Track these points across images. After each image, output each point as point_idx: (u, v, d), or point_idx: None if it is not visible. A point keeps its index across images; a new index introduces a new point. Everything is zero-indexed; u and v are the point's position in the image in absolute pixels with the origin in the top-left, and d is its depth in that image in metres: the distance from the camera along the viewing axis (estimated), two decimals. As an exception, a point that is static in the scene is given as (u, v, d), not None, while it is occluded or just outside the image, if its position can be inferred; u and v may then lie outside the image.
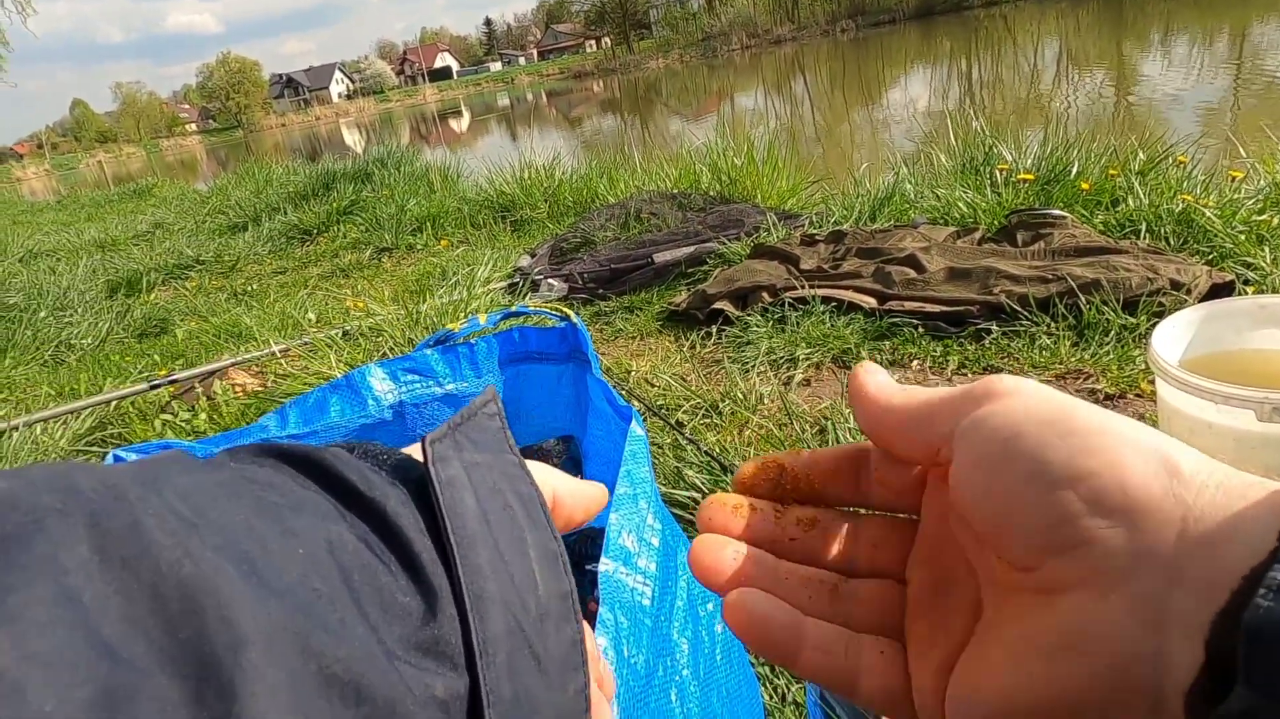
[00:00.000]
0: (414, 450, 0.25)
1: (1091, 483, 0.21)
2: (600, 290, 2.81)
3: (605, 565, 0.55)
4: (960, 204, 2.60)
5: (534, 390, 1.07)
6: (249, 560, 0.19)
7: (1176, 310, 1.63)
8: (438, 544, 0.23)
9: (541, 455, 1.10)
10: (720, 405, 1.65)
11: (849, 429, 1.44)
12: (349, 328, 2.26)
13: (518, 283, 2.89)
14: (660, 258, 2.85)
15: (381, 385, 0.97)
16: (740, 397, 1.66)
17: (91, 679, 0.15)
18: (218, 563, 0.18)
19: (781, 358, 1.85)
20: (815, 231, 2.65)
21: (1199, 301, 1.69)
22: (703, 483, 1.34)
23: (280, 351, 2.18)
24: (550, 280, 2.89)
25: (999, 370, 1.65)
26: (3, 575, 0.16)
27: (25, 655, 0.15)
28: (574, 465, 1.10)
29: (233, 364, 2.10)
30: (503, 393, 1.06)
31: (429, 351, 1.00)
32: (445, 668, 0.21)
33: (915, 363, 1.76)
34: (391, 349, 2.10)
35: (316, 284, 3.69)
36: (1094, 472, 0.21)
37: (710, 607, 0.70)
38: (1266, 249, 1.86)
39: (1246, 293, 1.69)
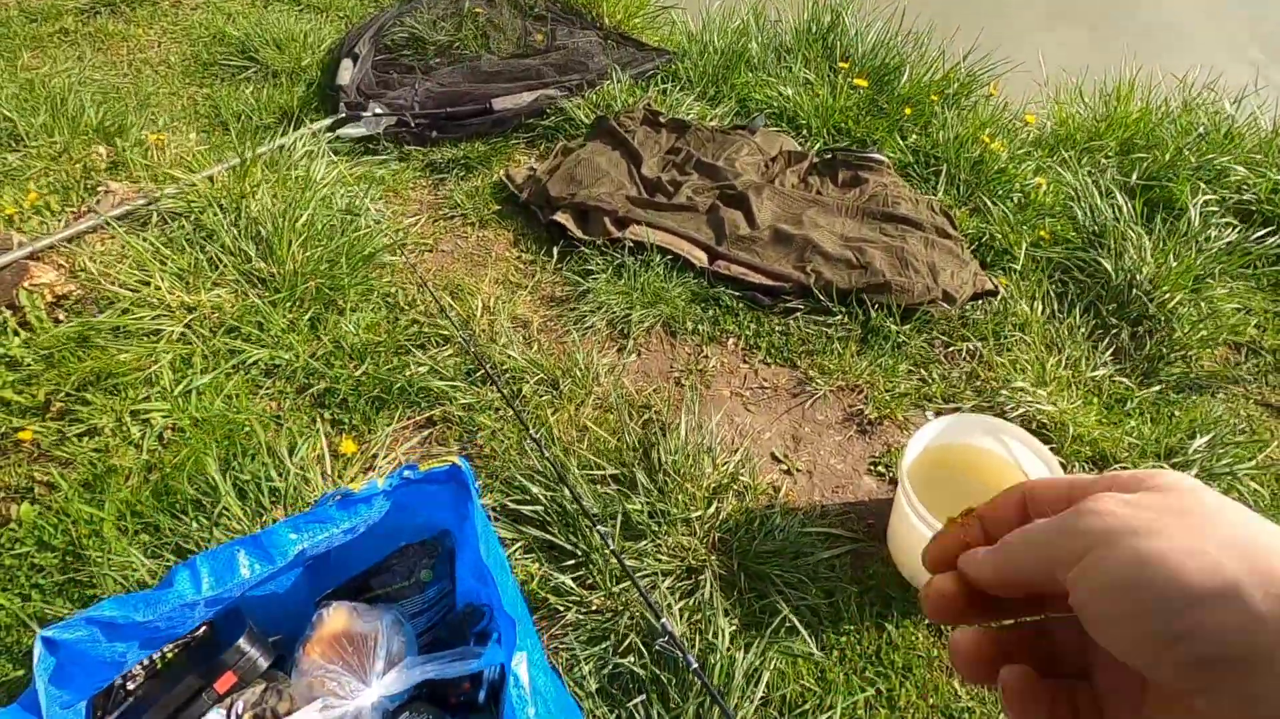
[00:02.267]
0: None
1: (1206, 646, 0.24)
2: (432, 134, 2.68)
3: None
4: (800, 107, 2.69)
5: (419, 496, 1.24)
6: None
7: (943, 319, 1.98)
8: None
9: (424, 550, 1.30)
10: (560, 382, 1.85)
11: (675, 429, 1.72)
12: (158, 199, 2.09)
13: (341, 113, 2.67)
14: (499, 104, 2.74)
15: (289, 538, 1.10)
16: (579, 374, 1.86)
17: None
18: None
19: (619, 317, 2.03)
20: (660, 112, 2.66)
21: (961, 309, 2.06)
22: (541, 494, 1.60)
23: (80, 231, 2.00)
24: (376, 110, 2.69)
25: (796, 366, 1.96)
26: None
27: None
28: (449, 555, 1.32)
29: (28, 254, 1.91)
30: (391, 502, 1.21)
31: (330, 506, 1.13)
32: None
33: (731, 340, 2.02)
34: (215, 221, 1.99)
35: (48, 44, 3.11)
36: (1207, 634, 0.24)
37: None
38: (1024, 243, 2.22)
39: (1000, 288, 2.08)
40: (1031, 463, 1.52)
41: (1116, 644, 0.26)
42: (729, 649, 1.41)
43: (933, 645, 1.48)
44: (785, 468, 1.76)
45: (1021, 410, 1.82)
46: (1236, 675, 0.23)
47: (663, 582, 1.51)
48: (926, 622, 1.50)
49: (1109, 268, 2.10)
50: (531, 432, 1.60)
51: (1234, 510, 0.27)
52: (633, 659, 1.39)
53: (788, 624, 1.46)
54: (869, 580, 1.56)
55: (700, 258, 2.16)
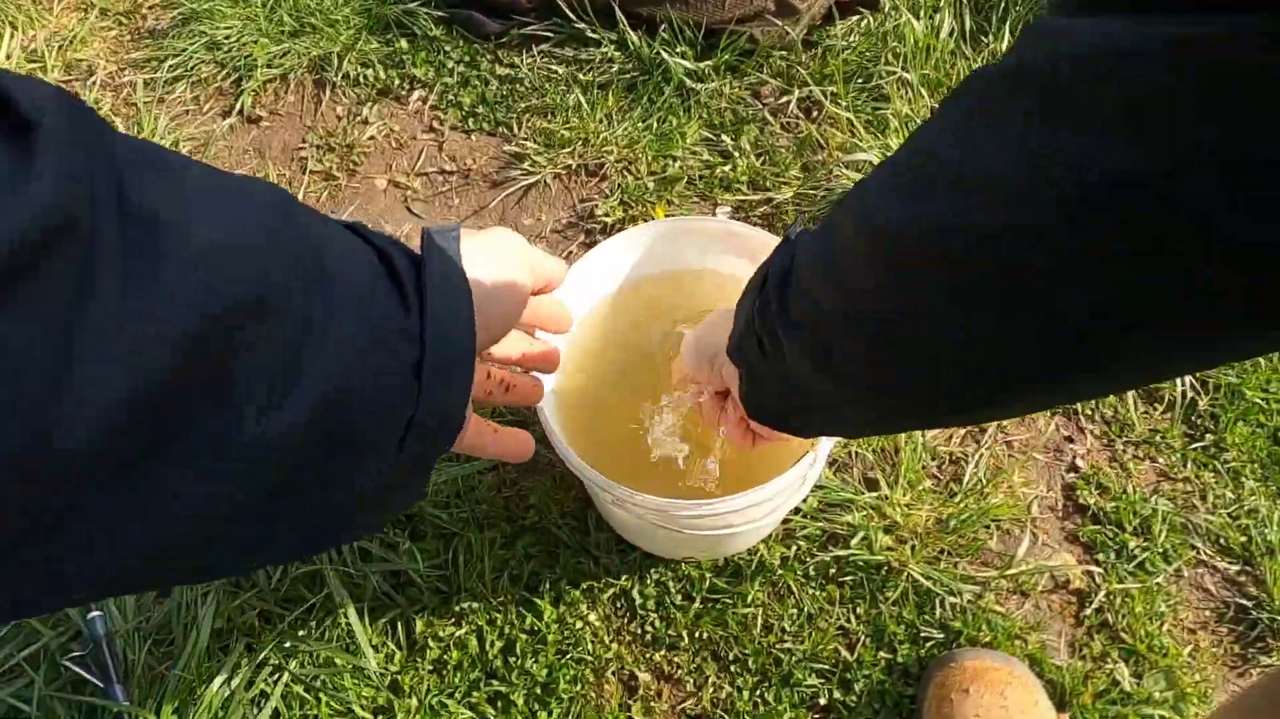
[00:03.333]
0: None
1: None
2: None
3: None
4: None
5: None
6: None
7: (774, 49, 1.19)
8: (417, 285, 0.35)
9: None
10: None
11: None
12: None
13: None
14: None
15: None
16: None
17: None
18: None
19: (233, 57, 1.23)
20: None
21: (809, 31, 1.23)
22: None
23: None
24: None
25: (511, 133, 1.18)
26: None
27: None
28: None
29: None
30: None
31: None
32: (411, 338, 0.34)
33: (417, 95, 1.23)
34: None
35: None
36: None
37: None
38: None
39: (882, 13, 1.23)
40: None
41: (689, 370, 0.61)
42: (200, 666, 0.79)
43: (609, 628, 0.84)
44: (445, 313, 1.04)
45: (860, 204, 1.05)
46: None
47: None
48: (610, 593, 0.86)
49: None
50: None
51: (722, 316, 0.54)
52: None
53: (335, 616, 0.82)
54: (523, 517, 0.89)
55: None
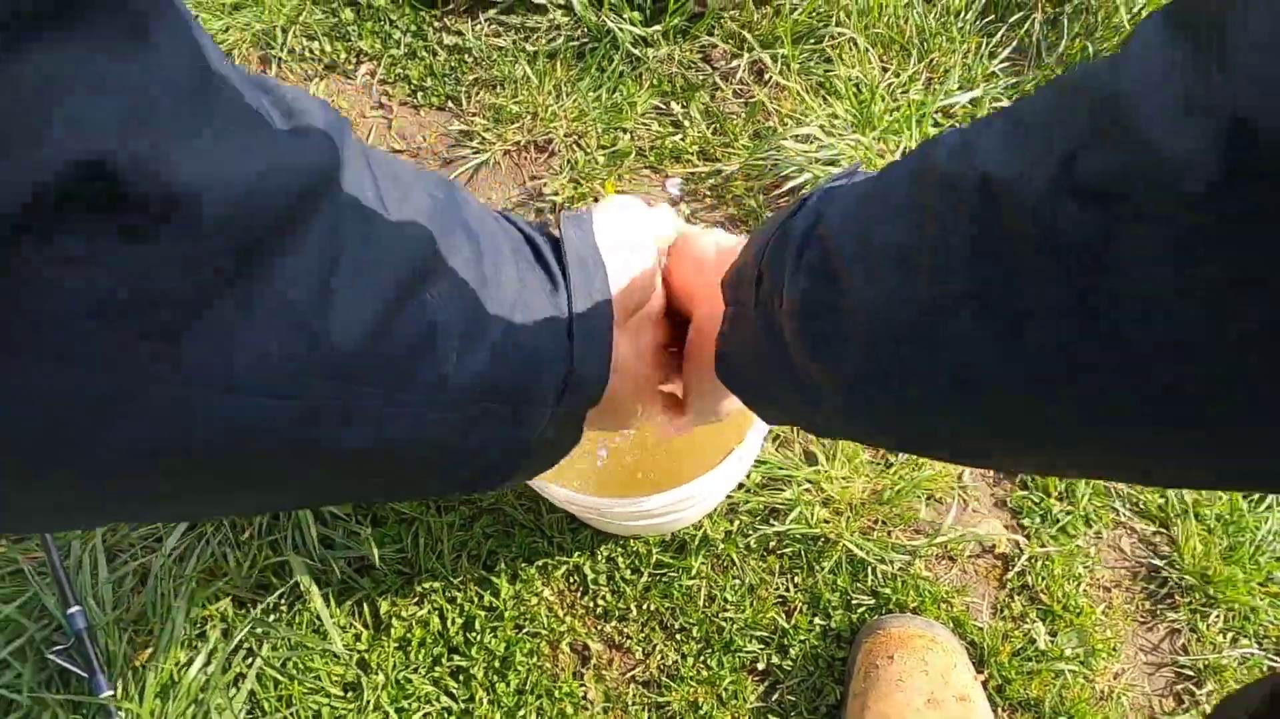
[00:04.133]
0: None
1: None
2: None
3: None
4: None
5: None
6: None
7: (724, 12, 1.18)
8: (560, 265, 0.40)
9: None
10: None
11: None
12: None
13: None
14: None
15: None
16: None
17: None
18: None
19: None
20: None
21: (760, -11, 1.22)
22: None
23: None
24: None
25: (461, 106, 1.17)
26: None
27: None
28: None
29: None
30: None
31: None
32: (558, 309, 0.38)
33: (365, 68, 1.21)
34: None
35: None
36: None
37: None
38: None
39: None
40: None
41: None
42: (178, 654, 0.84)
43: (563, 603, 0.90)
44: (400, 297, 1.06)
45: (803, 177, 1.06)
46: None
47: (127, 527, 0.91)
48: (563, 569, 0.91)
49: None
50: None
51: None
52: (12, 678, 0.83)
53: (303, 601, 0.87)
54: (480, 499, 0.94)
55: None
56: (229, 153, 0.21)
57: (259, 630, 0.86)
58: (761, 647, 0.87)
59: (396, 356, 0.28)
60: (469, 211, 0.34)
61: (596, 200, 1.11)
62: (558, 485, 0.71)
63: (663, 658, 0.88)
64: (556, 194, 1.11)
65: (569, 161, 1.13)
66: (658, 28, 1.18)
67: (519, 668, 0.86)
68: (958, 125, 0.28)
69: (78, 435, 0.21)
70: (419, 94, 1.19)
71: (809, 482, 0.92)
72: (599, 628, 0.89)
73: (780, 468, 0.92)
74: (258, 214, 0.22)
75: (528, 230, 0.39)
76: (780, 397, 0.40)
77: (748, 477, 0.91)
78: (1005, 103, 1.13)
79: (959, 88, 1.15)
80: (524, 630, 0.88)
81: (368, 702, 0.85)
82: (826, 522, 0.90)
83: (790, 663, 0.86)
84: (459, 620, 0.88)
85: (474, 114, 1.17)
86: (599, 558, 0.91)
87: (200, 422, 0.23)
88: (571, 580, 0.91)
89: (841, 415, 0.34)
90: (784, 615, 0.88)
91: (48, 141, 0.17)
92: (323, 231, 0.24)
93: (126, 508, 0.28)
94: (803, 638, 0.87)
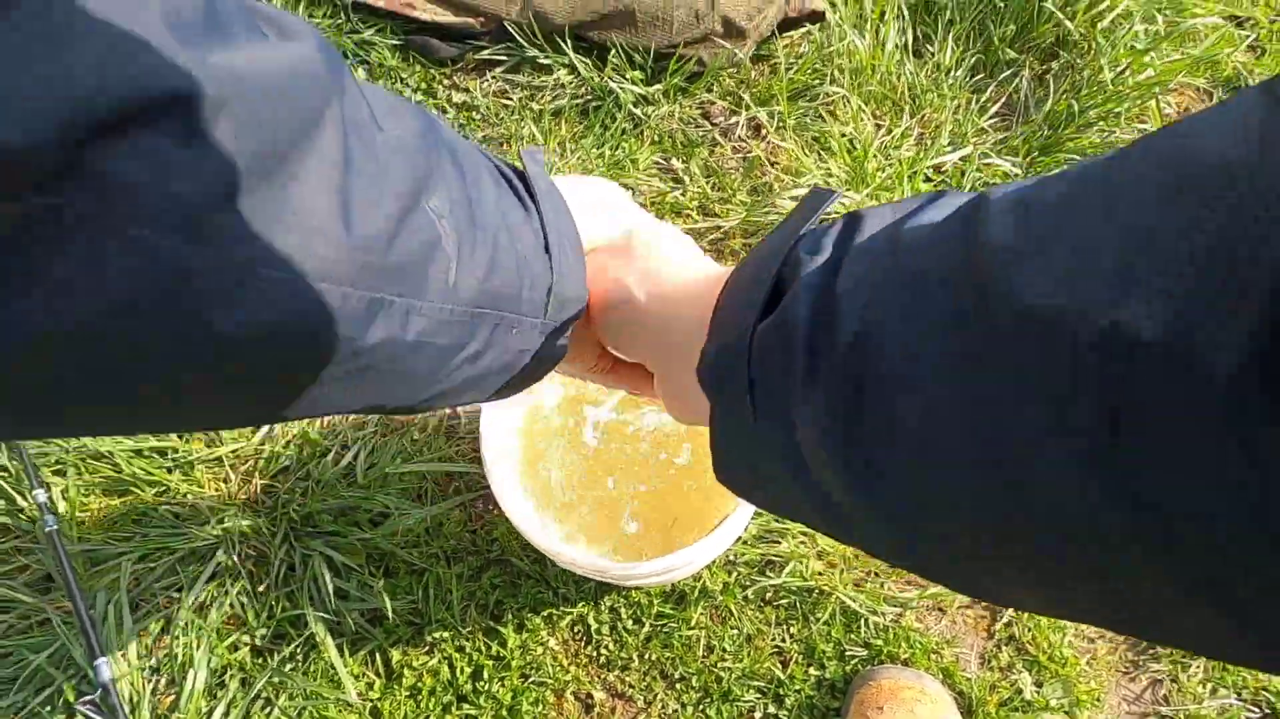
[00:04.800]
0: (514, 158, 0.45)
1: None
2: None
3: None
4: None
5: None
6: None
7: (723, 69, 1.22)
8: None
9: None
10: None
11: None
12: None
13: None
14: None
15: None
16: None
17: None
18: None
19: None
20: None
21: (757, 47, 1.26)
22: None
23: None
24: None
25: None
26: None
27: None
28: None
29: None
30: None
31: None
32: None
33: (377, 126, 1.26)
34: None
35: None
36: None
37: None
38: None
39: (828, 9, 1.25)
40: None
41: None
42: (200, 703, 0.88)
43: (567, 652, 0.93)
44: (410, 351, 1.10)
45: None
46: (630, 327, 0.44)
47: (150, 577, 0.95)
48: (568, 619, 0.94)
49: None
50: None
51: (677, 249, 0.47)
52: (45, 728, 0.87)
53: (318, 650, 0.91)
54: (489, 550, 0.98)
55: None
56: (249, 57, 0.23)
57: (276, 680, 0.90)
58: (758, 696, 0.90)
59: (411, 262, 0.29)
60: (449, 135, 0.35)
61: (600, 257, 1.15)
62: (566, 546, 0.75)
63: (663, 707, 0.91)
64: (561, 250, 1.15)
65: (573, 218, 1.17)
66: (658, 86, 1.22)
67: (525, 716, 0.90)
68: (987, 189, 0.23)
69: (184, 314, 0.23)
70: (429, 151, 1.24)
71: (804, 534, 0.95)
72: (602, 677, 0.93)
73: (776, 521, 0.96)
74: (282, 115, 0.24)
75: (496, 160, 0.40)
76: (801, 513, 0.33)
77: (744, 529, 0.95)
78: (996, 160, 1.17)
79: (949, 144, 1.19)
80: (530, 679, 0.92)
81: (380, 749, 0.88)
82: (821, 574, 0.93)
83: (786, 712, 0.89)
84: (468, 669, 0.92)
85: (482, 171, 1.21)
86: (602, 608, 0.94)
87: (274, 301, 0.25)
88: (576, 630, 0.95)
89: (884, 545, 0.28)
90: (780, 666, 0.92)
91: (104, 70, 0.20)
92: (335, 137, 0.26)
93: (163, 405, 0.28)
94: (798, 688, 0.90)
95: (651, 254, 0.45)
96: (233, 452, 1.00)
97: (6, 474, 1.00)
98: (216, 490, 1.00)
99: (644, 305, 0.42)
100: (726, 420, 0.34)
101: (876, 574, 0.94)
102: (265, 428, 1.02)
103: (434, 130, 0.33)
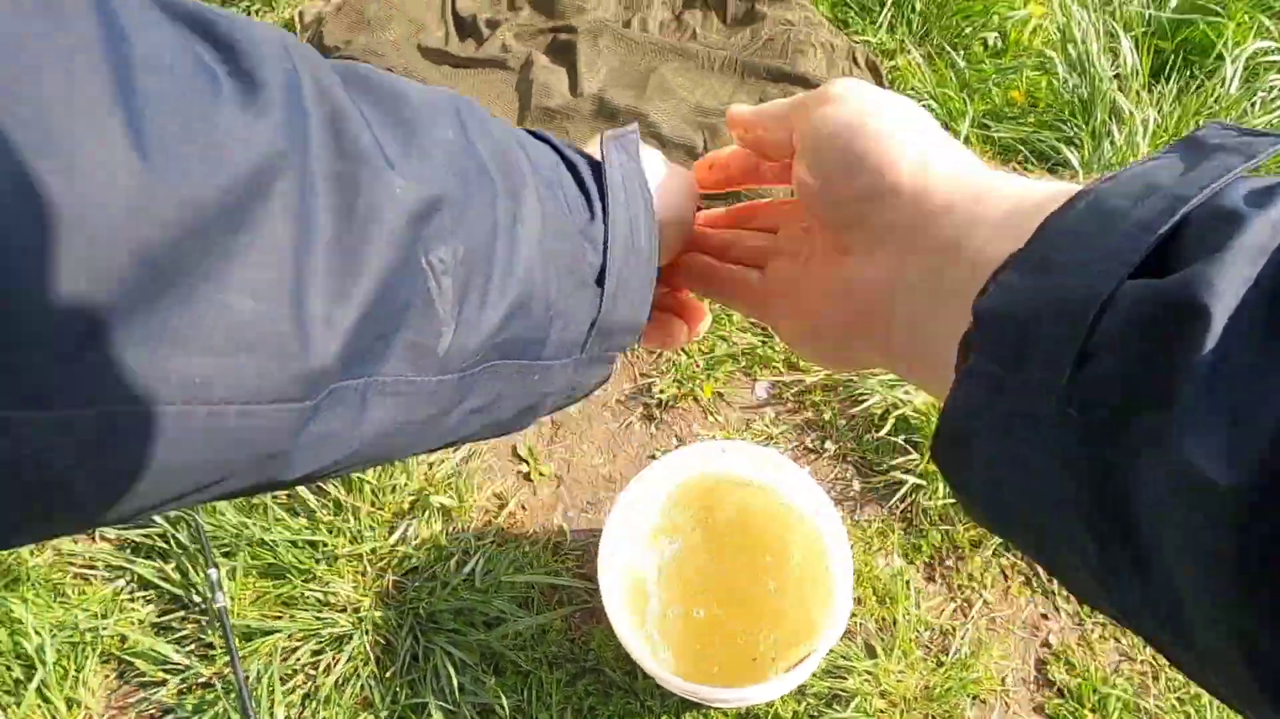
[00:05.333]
0: (589, 146, 0.37)
1: (865, 178, 0.31)
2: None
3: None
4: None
5: None
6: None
7: None
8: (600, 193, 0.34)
9: None
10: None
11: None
12: None
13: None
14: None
15: None
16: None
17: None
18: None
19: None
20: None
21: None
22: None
23: None
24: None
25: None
26: None
27: None
28: None
29: None
30: None
31: None
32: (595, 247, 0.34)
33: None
34: None
35: None
36: (868, 168, 0.31)
37: None
38: (970, 112, 1.52)
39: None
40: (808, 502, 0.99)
41: (810, 175, 0.33)
42: (335, 776, 1.02)
43: (652, 765, 1.05)
44: (526, 470, 1.27)
45: (874, 399, 1.24)
46: (876, 209, 0.31)
47: (295, 654, 1.10)
48: (651, 729, 1.06)
49: (1074, 161, 1.39)
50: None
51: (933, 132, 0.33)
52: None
53: (437, 734, 1.05)
54: (585, 659, 1.11)
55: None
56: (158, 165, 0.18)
57: (398, 761, 1.03)
58: (820, 820, 1.00)
59: (385, 334, 0.24)
60: (492, 144, 0.30)
61: (698, 400, 1.31)
62: (662, 671, 0.88)
63: (733, 821, 1.01)
64: (662, 393, 1.31)
65: (673, 363, 1.33)
66: (756, 252, 1.40)
67: (609, 816, 1.01)
68: None
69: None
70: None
71: (868, 673, 1.06)
72: (679, 787, 1.04)
73: (843, 657, 1.07)
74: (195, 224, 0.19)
75: (567, 152, 0.35)
76: (1061, 565, 0.24)
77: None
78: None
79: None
80: (615, 782, 1.03)
81: (480, 832, 1.00)
82: (882, 712, 1.04)
83: (845, 838, 0.99)
84: (562, 766, 1.04)
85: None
86: (683, 723, 1.06)
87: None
88: (658, 740, 1.06)
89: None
90: (841, 793, 1.01)
91: None
92: (280, 216, 0.21)
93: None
94: (857, 816, 0.99)
95: (932, 131, 0.32)
96: (371, 550, 1.17)
97: (185, 551, 1.18)
98: (355, 583, 1.16)
99: (922, 187, 0.30)
100: (1002, 397, 0.23)
101: (933, 717, 1.04)
102: (401, 528, 1.18)
103: (469, 144, 0.28)
